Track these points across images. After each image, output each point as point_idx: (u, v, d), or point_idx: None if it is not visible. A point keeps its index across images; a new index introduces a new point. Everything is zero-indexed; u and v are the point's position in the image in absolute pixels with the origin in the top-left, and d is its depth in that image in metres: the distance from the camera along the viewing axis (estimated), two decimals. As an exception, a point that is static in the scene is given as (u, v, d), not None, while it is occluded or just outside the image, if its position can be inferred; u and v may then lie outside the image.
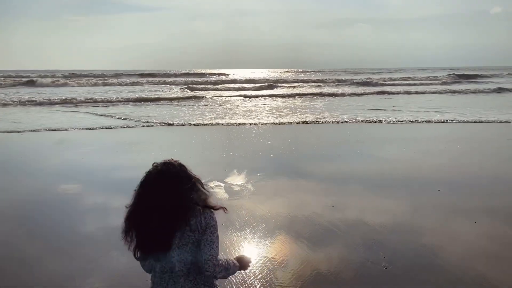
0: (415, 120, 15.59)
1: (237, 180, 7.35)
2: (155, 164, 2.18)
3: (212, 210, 2.17)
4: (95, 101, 23.37)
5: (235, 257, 2.36)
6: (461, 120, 15.77)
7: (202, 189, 2.18)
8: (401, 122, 15.42)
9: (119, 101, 23.74)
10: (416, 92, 30.44)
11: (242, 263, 2.35)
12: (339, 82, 41.55)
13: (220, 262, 2.13)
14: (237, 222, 5.65)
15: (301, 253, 4.78)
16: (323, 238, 5.18)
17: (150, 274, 2.22)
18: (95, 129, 14.11)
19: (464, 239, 5.15)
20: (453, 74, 50.93)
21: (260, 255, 4.76)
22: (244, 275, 4.28)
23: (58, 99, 23.69)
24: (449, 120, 15.75)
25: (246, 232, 5.38)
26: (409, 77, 47.77)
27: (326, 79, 45.97)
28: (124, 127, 14.62)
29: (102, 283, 4.19)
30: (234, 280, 4.18)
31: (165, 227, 2.05)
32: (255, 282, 4.17)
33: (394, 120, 15.77)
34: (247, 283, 4.16)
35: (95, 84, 37.65)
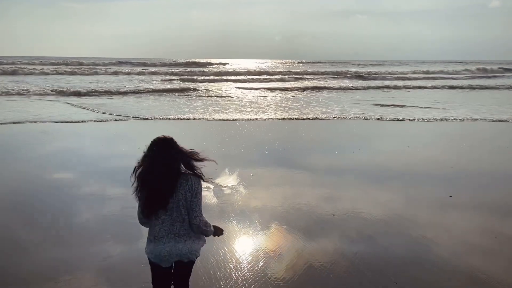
0: (429, 118, 14.90)
1: (230, 176, 7.32)
2: (157, 138, 2.78)
3: (200, 177, 2.83)
4: (78, 92, 22.08)
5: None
6: (475, 119, 15.09)
7: (191, 160, 2.80)
8: (418, 120, 14.86)
9: (104, 92, 22.65)
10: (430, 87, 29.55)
11: (216, 230, 3.03)
12: (354, 74, 39.15)
13: (204, 218, 2.85)
14: (232, 213, 5.69)
15: (296, 245, 4.78)
16: (318, 230, 5.20)
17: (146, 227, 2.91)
18: (73, 122, 13.39)
19: (461, 234, 5.19)
20: (481, 67, 48.56)
21: (255, 246, 4.77)
22: (239, 266, 4.31)
23: (39, 88, 22.67)
24: (453, 118, 15.10)
25: (241, 223, 5.39)
26: (427, 70, 45.93)
27: (329, 71, 43.60)
28: (109, 121, 13.87)
29: (96, 270, 4.17)
30: (229, 270, 4.21)
31: (166, 187, 2.69)
32: (250, 272, 4.18)
33: (407, 117, 15.13)
34: (242, 273, 4.16)
35: (85, 73, 35.89)
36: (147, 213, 2.77)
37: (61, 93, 21.78)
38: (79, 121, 13.44)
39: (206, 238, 2.96)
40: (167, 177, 2.71)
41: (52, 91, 22.14)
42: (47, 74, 34.35)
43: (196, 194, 2.77)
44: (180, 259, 2.82)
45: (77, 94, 21.72)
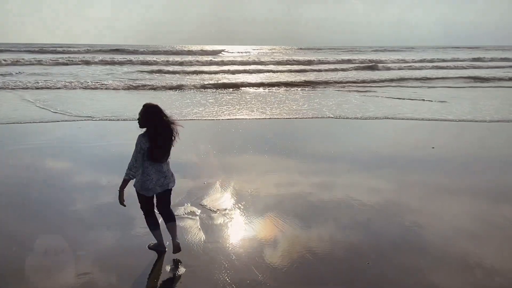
0: (465, 119, 12.50)
1: (224, 195, 7.22)
2: (148, 104, 3.96)
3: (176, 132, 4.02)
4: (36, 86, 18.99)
5: None
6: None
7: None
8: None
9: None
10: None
11: None
12: (365, 65, 34.83)
13: None
14: (228, 201, 5.75)
15: (291, 232, 4.84)
16: (313, 217, 5.26)
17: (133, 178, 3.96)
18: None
19: (453, 220, 5.26)
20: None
21: (250, 233, 4.82)
22: (234, 252, 4.36)
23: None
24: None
25: (237, 211, 5.44)
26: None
27: (335, 60, 39.17)
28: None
29: (92, 259, 4.20)
30: (225, 257, 4.25)
31: (169, 143, 3.97)
32: (246, 259, 4.23)
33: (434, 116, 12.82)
34: (237, 260, 4.21)
35: (63, 63, 30.87)
36: (158, 160, 3.92)
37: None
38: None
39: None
40: (170, 136, 3.92)
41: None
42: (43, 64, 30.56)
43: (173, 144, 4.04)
44: (162, 190, 4.04)
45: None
